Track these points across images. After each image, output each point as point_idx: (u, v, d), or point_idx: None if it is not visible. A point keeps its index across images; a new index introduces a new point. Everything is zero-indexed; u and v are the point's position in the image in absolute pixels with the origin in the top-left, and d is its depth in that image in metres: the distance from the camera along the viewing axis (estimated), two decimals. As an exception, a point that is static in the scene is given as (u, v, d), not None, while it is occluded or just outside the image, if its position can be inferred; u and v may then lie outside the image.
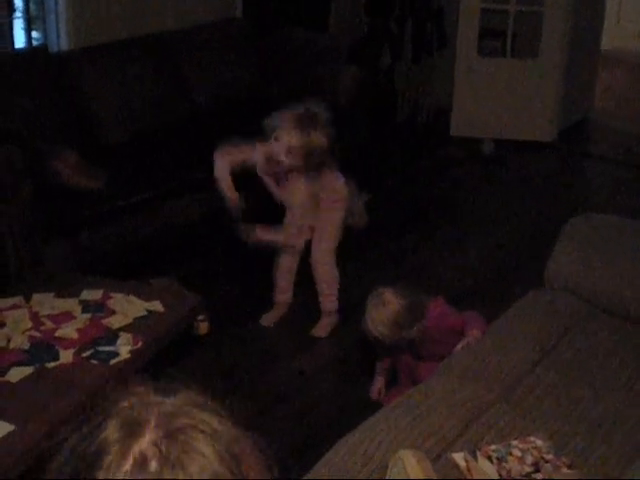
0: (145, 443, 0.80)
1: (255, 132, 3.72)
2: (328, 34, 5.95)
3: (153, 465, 0.79)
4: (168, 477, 0.79)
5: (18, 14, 4.92)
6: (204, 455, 0.81)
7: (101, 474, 0.79)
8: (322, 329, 3.73)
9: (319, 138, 3.33)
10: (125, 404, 0.85)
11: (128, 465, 0.79)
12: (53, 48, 4.66)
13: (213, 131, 4.64)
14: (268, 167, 3.46)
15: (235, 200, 3.50)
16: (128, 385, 0.89)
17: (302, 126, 3.31)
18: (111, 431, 0.82)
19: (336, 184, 3.58)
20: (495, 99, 6.17)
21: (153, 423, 0.82)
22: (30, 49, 4.85)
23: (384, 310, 2.90)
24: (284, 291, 3.84)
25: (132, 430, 0.81)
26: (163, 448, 0.80)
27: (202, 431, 0.83)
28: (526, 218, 4.95)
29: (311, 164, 3.38)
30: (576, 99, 6.46)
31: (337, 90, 5.15)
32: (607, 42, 7.41)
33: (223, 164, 3.48)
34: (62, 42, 4.69)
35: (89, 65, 4.45)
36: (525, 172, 5.77)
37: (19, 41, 4.89)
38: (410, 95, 6.27)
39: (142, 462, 0.79)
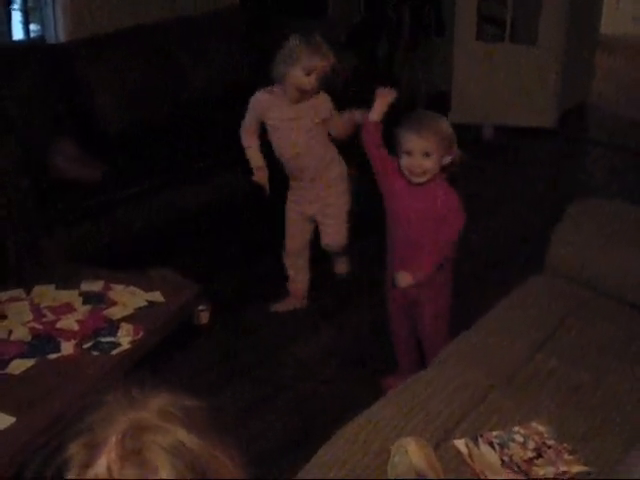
0: (101, 467, 0.81)
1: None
2: (325, 21, 5.93)
3: None
4: None
5: (15, 6, 4.90)
6: (161, 474, 0.81)
7: None
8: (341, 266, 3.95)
9: (332, 56, 3.46)
10: (92, 419, 0.85)
11: None
12: (51, 40, 4.65)
13: (211, 120, 4.64)
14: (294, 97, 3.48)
15: (262, 168, 3.56)
16: (107, 391, 0.89)
17: (316, 48, 3.42)
18: (73, 452, 0.83)
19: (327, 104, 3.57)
20: (494, 85, 6.15)
21: (112, 443, 0.82)
22: (28, 41, 4.84)
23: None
24: (293, 279, 3.84)
25: (91, 452, 0.82)
26: (115, 473, 0.80)
27: (163, 448, 0.83)
28: (525, 203, 4.95)
29: (331, 84, 3.50)
30: (575, 84, 6.45)
31: (335, 78, 5.13)
32: (606, 27, 7.39)
33: (249, 132, 3.57)
34: (59, 33, 4.68)
35: (86, 56, 4.44)
36: (524, 157, 5.76)
37: (17, 33, 4.88)
38: (409, 81, 6.26)
39: None
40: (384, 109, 3.01)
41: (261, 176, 3.57)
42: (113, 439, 0.82)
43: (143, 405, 0.87)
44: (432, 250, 2.81)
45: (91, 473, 0.80)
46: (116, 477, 0.80)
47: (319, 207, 3.66)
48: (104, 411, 0.86)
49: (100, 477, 0.80)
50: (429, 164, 2.77)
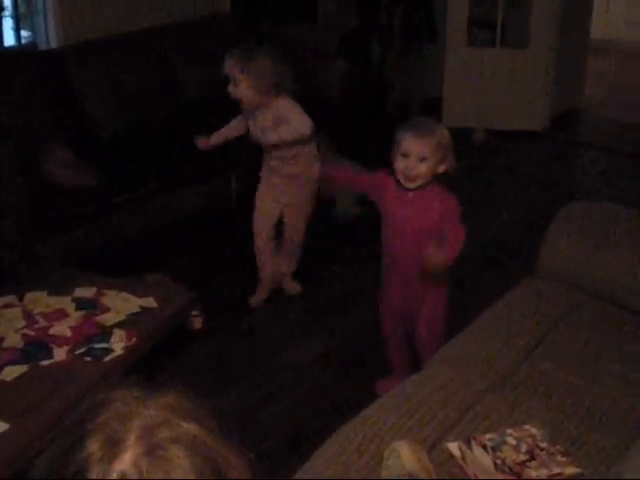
0: (126, 462, 0.79)
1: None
2: (317, 27, 5.94)
3: None
4: None
5: (7, 13, 4.89)
6: (184, 471, 0.81)
7: None
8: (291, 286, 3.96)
9: (262, 60, 3.49)
10: (105, 417, 0.84)
11: None
12: (42, 46, 4.65)
13: (204, 125, 4.64)
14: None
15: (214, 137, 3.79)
16: (111, 391, 0.88)
17: (240, 56, 3.50)
18: (92, 450, 0.80)
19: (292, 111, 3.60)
20: (485, 89, 6.17)
21: (133, 439, 0.81)
22: (19, 47, 4.83)
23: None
24: (264, 268, 3.90)
25: (113, 448, 0.80)
26: (143, 468, 0.79)
27: (182, 443, 0.82)
28: (518, 207, 4.96)
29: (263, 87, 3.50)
30: (566, 88, 6.47)
31: (327, 83, 5.14)
32: (597, 31, 7.41)
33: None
34: (51, 40, 4.68)
35: (78, 62, 4.44)
36: (516, 161, 5.78)
37: (8, 40, 4.87)
38: (400, 86, 6.27)
39: None
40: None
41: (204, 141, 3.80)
42: (133, 435, 0.81)
43: (154, 402, 0.86)
44: (450, 237, 2.83)
45: (116, 469, 0.79)
46: (144, 473, 0.79)
47: (283, 195, 3.76)
48: (114, 409, 0.84)
49: (127, 475, 0.78)
50: (423, 169, 2.78)
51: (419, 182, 2.80)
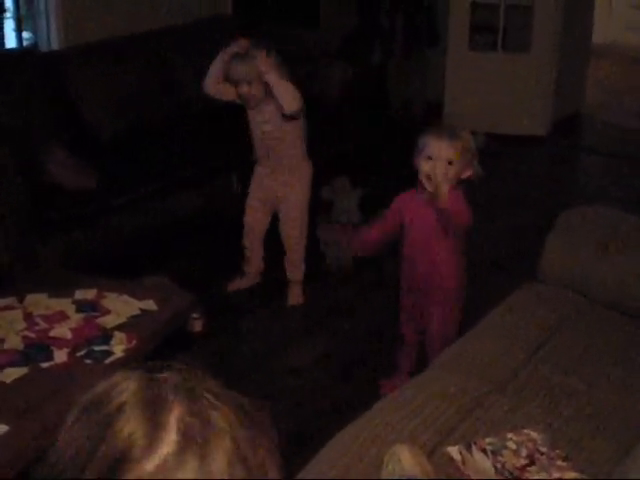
0: (170, 445, 0.75)
1: (243, 130, 3.73)
2: (318, 30, 5.94)
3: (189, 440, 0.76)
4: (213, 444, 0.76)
5: (8, 15, 4.90)
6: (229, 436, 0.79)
7: (133, 465, 0.74)
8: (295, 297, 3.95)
9: (270, 54, 3.54)
10: (132, 386, 0.81)
11: (166, 445, 0.75)
12: (43, 48, 4.65)
13: (201, 129, 4.65)
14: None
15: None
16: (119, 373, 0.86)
17: (240, 60, 3.56)
18: (132, 421, 0.77)
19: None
20: (487, 93, 6.17)
21: (172, 397, 0.79)
22: (21, 49, 4.83)
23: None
24: (249, 262, 3.98)
25: (154, 433, 0.76)
26: (191, 420, 0.77)
27: (221, 427, 0.80)
28: (519, 211, 4.96)
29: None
30: (568, 92, 6.47)
31: (328, 87, 5.14)
32: (598, 35, 7.42)
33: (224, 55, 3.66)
34: (52, 42, 4.68)
35: (79, 64, 4.44)
36: (518, 165, 5.77)
37: (10, 41, 4.88)
38: (402, 90, 6.27)
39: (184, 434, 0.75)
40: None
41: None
42: (173, 415, 0.78)
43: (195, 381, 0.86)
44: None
45: (160, 453, 0.75)
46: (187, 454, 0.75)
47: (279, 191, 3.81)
48: (136, 386, 0.81)
49: (169, 455, 0.75)
50: (450, 172, 2.77)
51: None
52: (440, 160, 2.77)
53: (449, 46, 6.18)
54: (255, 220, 3.89)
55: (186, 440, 0.76)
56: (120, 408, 0.79)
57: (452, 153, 2.77)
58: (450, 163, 2.77)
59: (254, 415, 0.84)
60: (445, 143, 2.77)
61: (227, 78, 3.62)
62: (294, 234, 3.86)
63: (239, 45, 3.61)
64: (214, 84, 3.67)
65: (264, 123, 3.66)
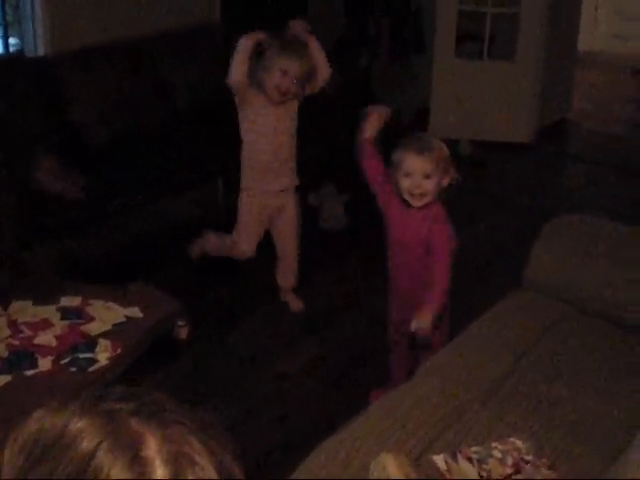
0: (151, 449, 0.74)
1: (235, 135, 3.73)
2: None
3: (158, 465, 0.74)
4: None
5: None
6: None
7: None
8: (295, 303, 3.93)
9: (308, 62, 3.58)
10: (91, 426, 0.77)
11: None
12: (30, 53, 4.63)
13: (193, 135, 4.64)
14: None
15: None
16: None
17: (292, 50, 3.57)
18: (115, 464, 0.73)
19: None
20: (473, 101, 6.19)
21: (151, 438, 0.76)
22: (7, 55, 4.82)
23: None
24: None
25: (131, 444, 0.74)
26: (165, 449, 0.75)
27: (198, 448, 0.78)
28: (504, 219, 4.97)
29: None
30: (554, 100, 6.49)
31: (316, 92, 5.14)
32: (584, 43, 7.45)
33: (247, 41, 3.68)
34: (39, 47, 4.66)
35: (67, 70, 4.43)
36: (503, 173, 5.79)
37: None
38: (388, 96, 6.28)
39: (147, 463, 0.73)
40: (377, 126, 3.01)
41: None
42: (150, 435, 0.76)
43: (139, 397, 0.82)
44: (434, 280, 2.81)
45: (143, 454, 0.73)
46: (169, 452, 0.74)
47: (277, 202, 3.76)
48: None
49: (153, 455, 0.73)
50: (429, 185, 2.78)
51: (426, 200, 2.81)
52: (417, 174, 2.77)
53: (435, 53, 6.19)
54: (252, 250, 3.81)
55: (176, 467, 0.75)
56: (92, 453, 0.74)
57: (429, 167, 2.77)
58: (428, 177, 2.78)
59: (214, 424, 0.82)
60: (420, 157, 2.77)
61: (264, 64, 3.58)
62: (293, 244, 3.85)
63: (298, 25, 3.64)
64: (242, 76, 3.64)
65: (284, 118, 3.63)
